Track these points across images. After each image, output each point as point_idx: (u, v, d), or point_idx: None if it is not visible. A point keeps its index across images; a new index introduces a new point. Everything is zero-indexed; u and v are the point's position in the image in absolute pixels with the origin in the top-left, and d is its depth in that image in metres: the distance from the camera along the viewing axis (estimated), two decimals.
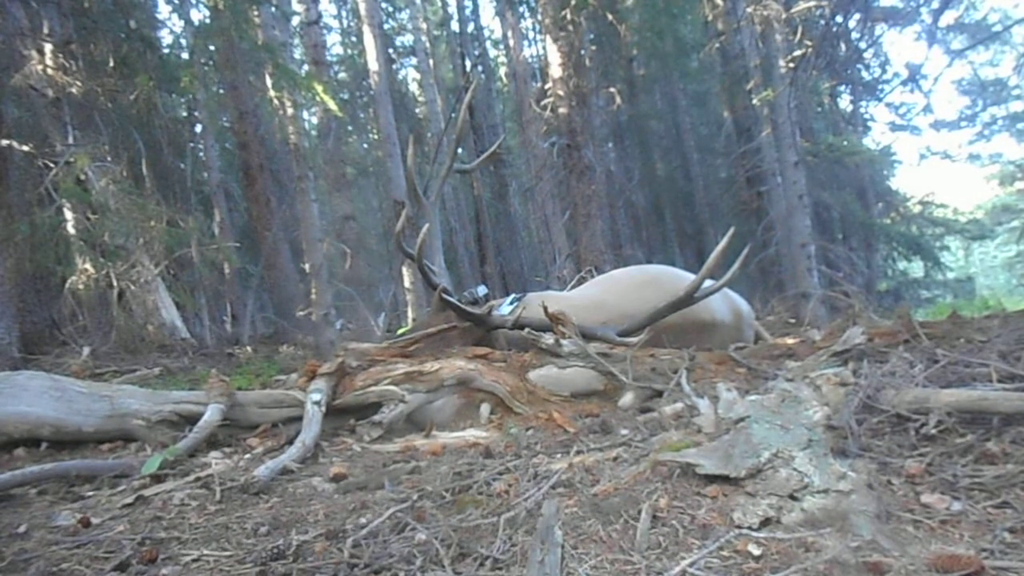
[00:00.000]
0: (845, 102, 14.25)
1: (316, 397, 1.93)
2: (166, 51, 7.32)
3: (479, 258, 12.83)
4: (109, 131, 4.87)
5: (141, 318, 4.37)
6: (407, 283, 9.46)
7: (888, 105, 15.31)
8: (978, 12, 13.63)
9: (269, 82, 6.59)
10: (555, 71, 8.10)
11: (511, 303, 3.09)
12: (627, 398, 2.10)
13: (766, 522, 1.07)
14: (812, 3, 7.82)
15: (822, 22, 7.67)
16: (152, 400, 2.01)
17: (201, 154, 9.37)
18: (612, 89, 10.27)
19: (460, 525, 1.17)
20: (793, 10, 8.26)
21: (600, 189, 8.51)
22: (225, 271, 8.03)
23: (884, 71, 13.29)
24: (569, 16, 7.70)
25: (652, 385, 2.15)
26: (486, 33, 15.71)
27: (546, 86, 9.12)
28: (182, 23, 8.71)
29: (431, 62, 13.88)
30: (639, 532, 1.07)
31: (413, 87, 16.72)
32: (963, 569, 0.89)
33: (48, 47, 4.43)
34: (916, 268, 13.39)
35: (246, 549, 1.15)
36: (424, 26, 13.85)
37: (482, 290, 3.06)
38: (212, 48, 6.49)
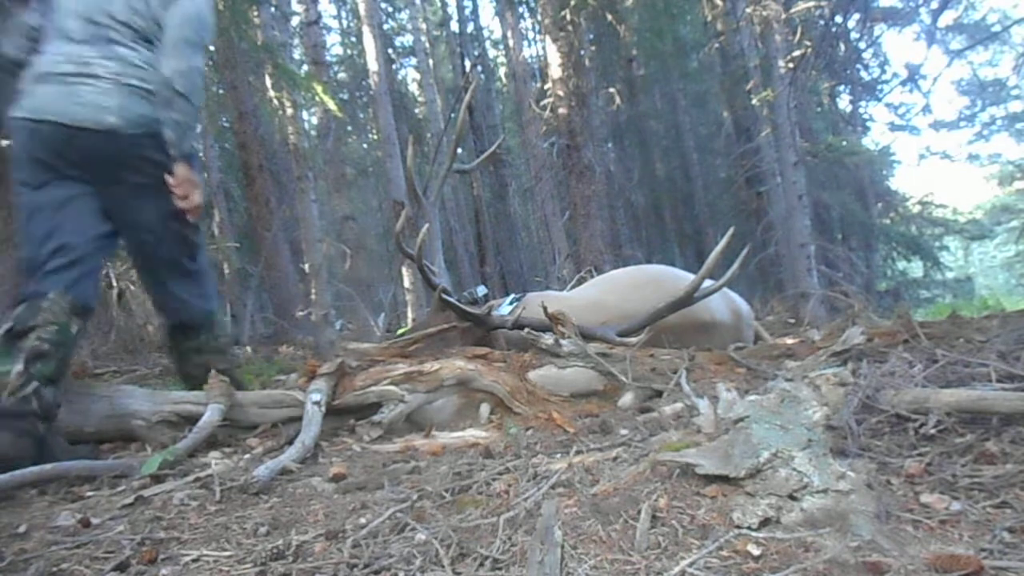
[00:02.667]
0: (844, 102, 14.27)
1: (316, 397, 1.93)
2: None
3: (479, 258, 12.84)
4: None
5: (141, 318, 4.37)
6: (407, 283, 9.47)
7: (887, 105, 15.34)
8: (977, 12, 13.64)
9: (269, 82, 6.60)
10: (555, 71, 8.11)
11: (511, 303, 3.09)
12: (627, 398, 2.10)
13: (766, 522, 1.07)
14: (812, 3, 7.83)
15: (821, 22, 7.68)
16: (152, 400, 2.01)
17: (201, 154, 9.37)
18: (612, 89, 10.28)
19: (460, 525, 1.17)
20: (793, 10, 8.26)
21: (600, 189, 8.51)
22: (225, 271, 8.04)
23: (883, 71, 13.31)
24: (569, 16, 7.71)
25: (652, 385, 2.16)
26: (486, 33, 15.73)
27: (546, 86, 9.13)
28: None
29: (431, 62, 13.88)
30: (639, 532, 1.07)
31: (413, 87, 16.73)
32: (962, 569, 0.89)
33: None
34: (915, 268, 13.41)
35: (246, 549, 1.15)
36: (424, 26, 13.85)
37: (481, 290, 3.06)
38: (212, 48, 6.50)
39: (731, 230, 2.58)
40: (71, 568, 1.11)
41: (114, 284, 4.31)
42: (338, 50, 16.25)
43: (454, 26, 14.77)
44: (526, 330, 2.46)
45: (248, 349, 5.08)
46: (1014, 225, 16.01)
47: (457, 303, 2.72)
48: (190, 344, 2.20)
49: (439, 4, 15.87)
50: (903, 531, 1.04)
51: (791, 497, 1.10)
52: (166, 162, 1.83)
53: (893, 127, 15.89)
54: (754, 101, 8.83)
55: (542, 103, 9.05)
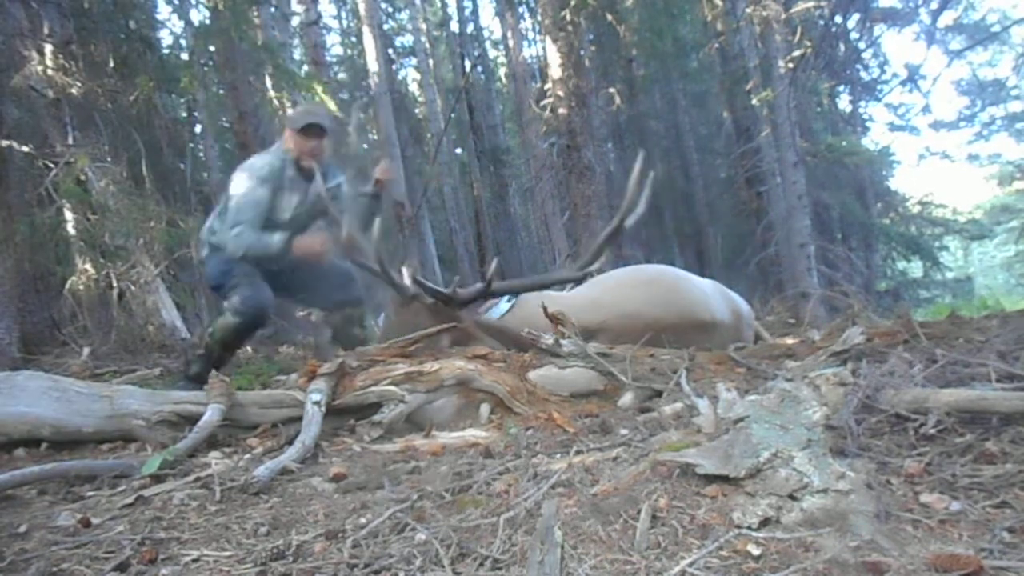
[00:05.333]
0: (844, 102, 14.29)
1: (316, 397, 1.93)
2: (166, 52, 7.32)
3: (479, 258, 12.82)
4: (109, 131, 4.85)
5: (141, 318, 4.36)
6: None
7: (887, 105, 15.37)
8: (977, 12, 13.64)
9: (269, 82, 6.60)
10: (555, 71, 8.10)
11: (508, 300, 3.10)
12: (627, 398, 2.10)
13: (765, 522, 1.07)
14: (811, 3, 7.84)
15: (821, 22, 7.69)
16: (152, 400, 2.01)
17: (201, 154, 9.36)
18: (612, 89, 10.27)
19: (460, 525, 1.17)
20: (792, 10, 8.27)
21: (600, 189, 8.51)
22: None
23: (883, 71, 13.33)
24: (569, 16, 7.70)
25: (652, 385, 2.15)
26: (486, 33, 15.71)
27: (546, 86, 9.11)
28: (182, 23, 8.71)
29: (431, 62, 13.88)
30: (639, 532, 1.07)
31: (413, 87, 16.72)
32: (962, 569, 0.89)
33: (48, 48, 4.42)
34: (915, 268, 13.41)
35: (246, 549, 1.15)
36: (424, 26, 13.86)
37: None
38: (212, 48, 6.49)
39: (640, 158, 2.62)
40: (71, 568, 1.11)
41: (114, 284, 4.30)
42: (338, 50, 16.26)
43: (454, 26, 14.76)
44: (526, 330, 2.45)
45: (248, 349, 5.07)
46: (1014, 225, 16.01)
47: (427, 283, 2.77)
48: None
49: (439, 4, 15.85)
50: (903, 531, 1.04)
51: (791, 497, 1.10)
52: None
53: (893, 127, 15.92)
54: (754, 101, 8.83)
55: (542, 103, 9.03)
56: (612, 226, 2.76)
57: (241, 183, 2.94)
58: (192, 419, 1.93)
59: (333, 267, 3.28)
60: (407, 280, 2.89)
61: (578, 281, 3.04)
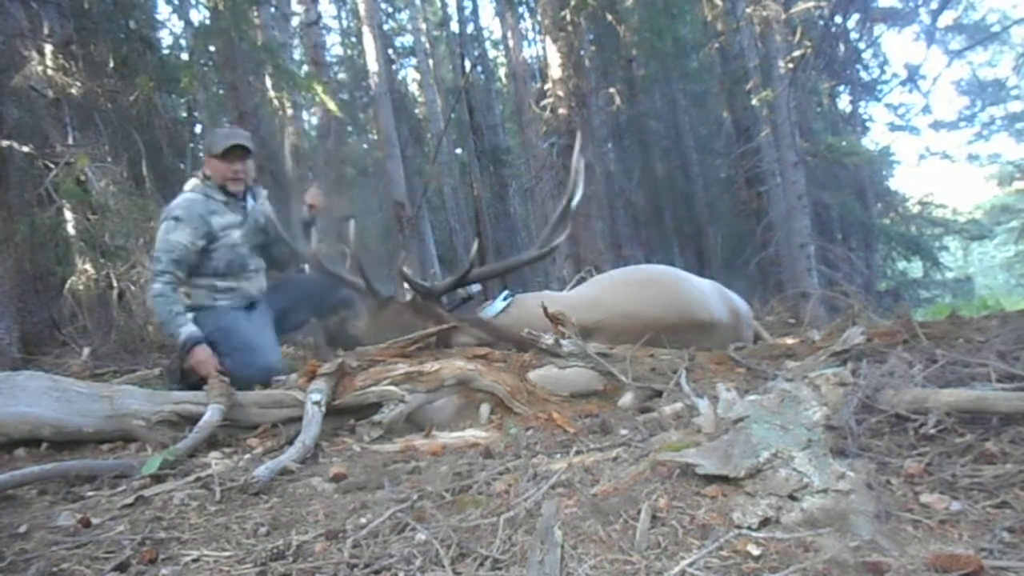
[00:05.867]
0: (844, 102, 14.29)
1: (316, 397, 1.93)
2: (166, 52, 7.32)
3: (479, 258, 12.82)
4: (109, 132, 4.85)
5: (141, 318, 4.36)
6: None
7: (887, 105, 15.37)
8: (977, 12, 13.64)
9: (269, 83, 6.60)
10: (554, 72, 8.10)
11: (504, 299, 3.11)
12: (627, 398, 2.10)
13: (765, 522, 1.07)
14: (811, 3, 7.84)
15: (821, 22, 7.69)
16: (152, 400, 2.01)
17: (201, 154, 9.36)
18: (611, 89, 10.27)
19: (460, 525, 1.17)
20: (792, 10, 8.27)
21: (600, 189, 8.50)
22: None
23: (883, 71, 13.35)
24: (569, 17, 7.70)
25: (652, 385, 2.16)
26: (486, 34, 15.70)
27: (546, 86, 9.11)
28: (182, 24, 8.72)
29: (431, 62, 13.89)
30: (639, 532, 1.07)
31: (413, 87, 16.72)
32: (962, 569, 0.89)
33: (48, 48, 4.42)
34: (915, 268, 13.40)
35: (246, 549, 1.15)
36: (424, 26, 13.87)
37: (476, 288, 3.09)
38: (212, 49, 6.50)
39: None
40: (71, 568, 1.11)
41: (114, 284, 4.30)
42: (338, 50, 16.26)
43: (454, 26, 14.76)
44: (526, 331, 2.45)
45: None
46: (1014, 225, 16.02)
47: (408, 275, 2.82)
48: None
49: (439, 4, 15.85)
50: (903, 531, 1.04)
51: (791, 497, 1.10)
52: None
53: (893, 127, 15.93)
54: (754, 101, 8.82)
55: (542, 103, 9.03)
56: (561, 207, 2.96)
57: (159, 229, 2.78)
58: (192, 419, 1.93)
59: (308, 277, 3.22)
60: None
61: (543, 258, 3.16)
